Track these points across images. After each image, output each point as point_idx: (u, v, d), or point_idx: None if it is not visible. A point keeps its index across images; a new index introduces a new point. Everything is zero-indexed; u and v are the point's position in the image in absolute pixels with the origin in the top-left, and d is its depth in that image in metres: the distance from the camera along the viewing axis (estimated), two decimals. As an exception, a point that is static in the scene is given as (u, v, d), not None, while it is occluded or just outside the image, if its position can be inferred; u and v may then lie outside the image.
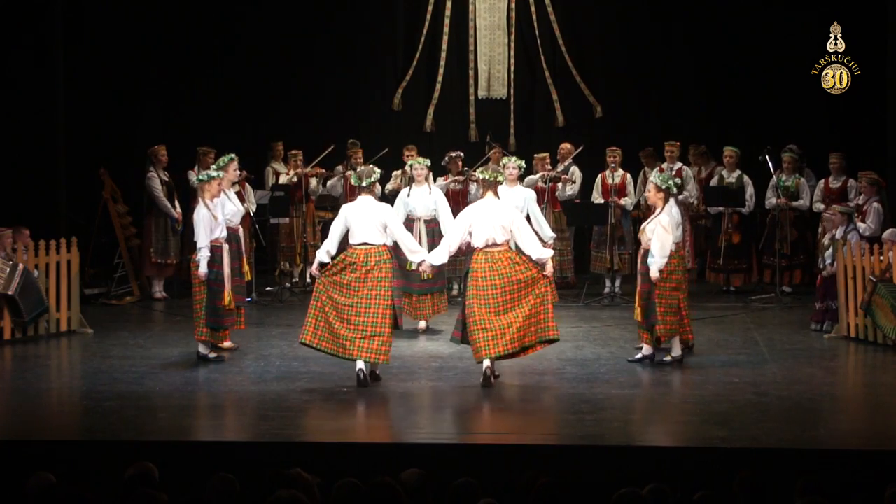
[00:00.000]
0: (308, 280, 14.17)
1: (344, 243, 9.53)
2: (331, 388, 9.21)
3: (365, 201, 9.42)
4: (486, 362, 9.18)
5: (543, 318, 9.18)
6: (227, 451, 7.72)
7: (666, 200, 9.78)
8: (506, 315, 9.11)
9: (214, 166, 10.67)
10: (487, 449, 7.82)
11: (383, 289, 9.16)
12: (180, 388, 9.25)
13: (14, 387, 9.47)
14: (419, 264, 9.51)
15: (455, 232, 9.42)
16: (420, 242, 10.78)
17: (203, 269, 9.91)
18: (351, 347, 9.14)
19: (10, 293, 10.81)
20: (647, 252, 9.78)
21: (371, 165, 9.83)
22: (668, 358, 9.86)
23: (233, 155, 10.74)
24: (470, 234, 9.30)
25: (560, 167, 13.72)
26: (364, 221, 9.29)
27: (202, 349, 10.08)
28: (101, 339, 11.19)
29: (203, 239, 9.92)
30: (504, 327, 9.09)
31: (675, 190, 10.02)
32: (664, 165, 13.51)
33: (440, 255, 9.44)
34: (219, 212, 10.10)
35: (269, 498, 5.24)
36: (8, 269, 10.82)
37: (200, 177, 10.24)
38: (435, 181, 12.76)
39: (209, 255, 9.93)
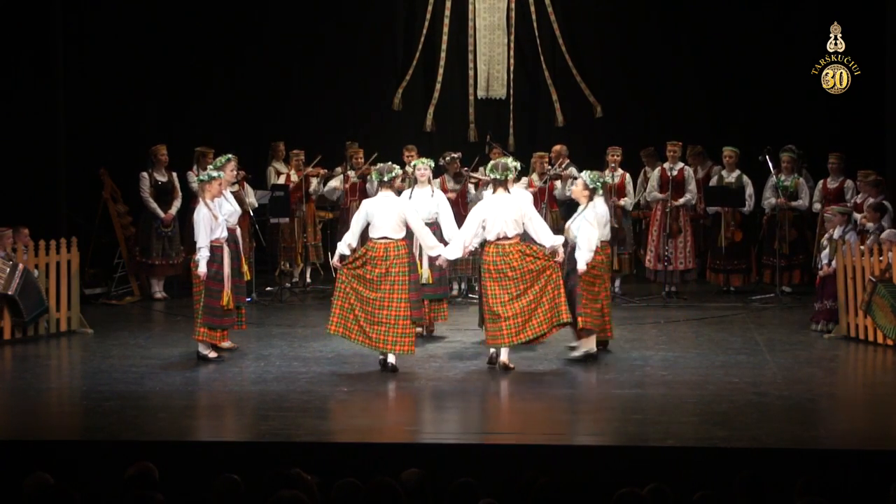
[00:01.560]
0: (308, 280, 14.21)
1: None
2: (331, 389, 9.21)
3: (385, 197, 9.75)
4: (503, 353, 9.57)
5: (556, 304, 9.53)
6: (227, 451, 7.72)
7: (590, 198, 10.02)
8: (518, 302, 9.48)
9: (212, 166, 10.67)
10: (487, 449, 7.82)
11: (402, 283, 9.55)
12: (180, 388, 9.25)
13: (14, 387, 9.46)
14: (436, 258, 9.92)
15: (469, 226, 9.74)
16: (420, 247, 10.87)
17: (202, 268, 9.92)
18: (378, 340, 9.53)
19: (10, 293, 10.80)
20: (573, 249, 9.89)
21: (390, 162, 10.03)
22: (580, 353, 9.95)
23: (230, 155, 10.76)
24: (483, 227, 9.64)
25: (558, 168, 13.72)
26: (384, 216, 9.63)
27: (202, 349, 10.09)
28: (101, 339, 11.19)
29: (203, 239, 9.93)
30: (516, 316, 9.47)
31: (600, 191, 10.18)
32: (666, 165, 13.51)
33: (455, 249, 9.78)
34: (217, 211, 10.11)
35: (271, 498, 5.24)
36: (8, 269, 10.82)
37: (201, 177, 10.25)
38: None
39: (209, 254, 9.94)
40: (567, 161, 13.80)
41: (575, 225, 9.97)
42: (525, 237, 9.79)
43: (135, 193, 13.43)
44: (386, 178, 9.80)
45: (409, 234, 11.28)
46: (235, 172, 11.13)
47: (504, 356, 9.65)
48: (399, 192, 13.18)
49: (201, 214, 9.98)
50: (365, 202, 9.99)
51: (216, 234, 10.02)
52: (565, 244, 9.91)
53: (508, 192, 9.73)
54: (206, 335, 10.02)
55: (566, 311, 9.55)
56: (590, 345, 10.00)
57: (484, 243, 9.70)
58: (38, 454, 7.47)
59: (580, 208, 10.04)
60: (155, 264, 13.38)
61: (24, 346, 10.92)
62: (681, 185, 13.47)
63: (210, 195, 10.08)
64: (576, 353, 9.98)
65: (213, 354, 10.11)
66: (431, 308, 11.02)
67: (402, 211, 9.71)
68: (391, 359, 9.63)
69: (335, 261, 9.77)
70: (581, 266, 9.80)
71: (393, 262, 9.55)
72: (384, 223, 9.62)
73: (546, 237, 9.62)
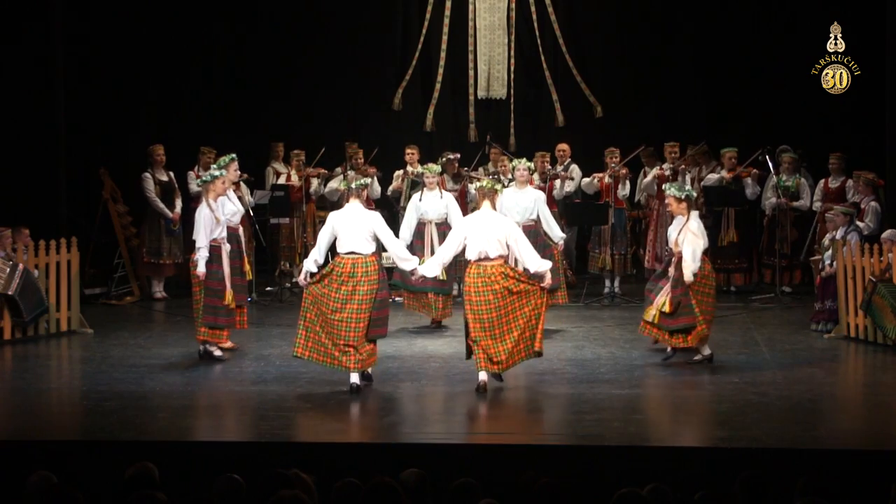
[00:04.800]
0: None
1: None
2: (330, 389, 9.20)
3: (353, 208, 9.19)
4: (482, 375, 9.05)
5: (534, 333, 9.01)
6: (227, 451, 7.72)
7: (689, 208, 9.82)
8: (501, 336, 8.94)
9: (215, 166, 10.64)
10: (487, 449, 7.82)
11: (367, 301, 8.97)
12: (180, 388, 9.25)
13: (14, 387, 9.47)
14: (411, 272, 9.43)
15: (450, 244, 9.27)
16: (432, 245, 11.06)
17: (201, 268, 9.90)
18: (343, 359, 9.00)
19: (10, 293, 10.80)
20: (679, 259, 9.76)
21: (363, 168, 9.81)
22: (698, 357, 9.90)
23: (233, 155, 10.71)
24: (465, 246, 9.16)
25: (559, 167, 13.74)
26: (351, 230, 9.07)
27: (210, 347, 10.06)
28: (101, 339, 11.19)
29: (202, 239, 9.91)
30: (497, 344, 8.94)
31: (694, 196, 10.04)
32: (665, 165, 13.51)
33: (433, 268, 9.26)
34: (220, 212, 10.09)
35: (271, 498, 5.24)
36: (8, 269, 10.82)
37: (204, 177, 10.23)
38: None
39: (208, 255, 9.92)
40: (569, 160, 13.84)
41: (681, 238, 9.75)
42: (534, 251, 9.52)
43: (135, 193, 13.44)
44: (354, 187, 9.27)
45: (419, 234, 11.38)
46: (238, 172, 11.06)
47: (483, 376, 9.05)
48: (399, 193, 13.28)
49: (202, 214, 9.96)
50: (332, 214, 9.35)
51: (215, 233, 10.00)
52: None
53: (495, 207, 9.32)
54: (207, 334, 10.01)
55: (540, 341, 9.03)
56: (706, 350, 9.92)
57: (467, 264, 9.18)
58: (39, 454, 7.47)
59: (681, 219, 9.79)
60: (164, 264, 13.41)
61: (24, 346, 10.92)
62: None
63: (214, 195, 10.06)
64: (696, 357, 9.90)
65: (218, 353, 10.09)
66: (440, 301, 11.17)
67: (371, 224, 9.10)
68: (354, 378, 9.02)
69: (301, 278, 9.22)
70: (688, 277, 9.61)
71: (360, 280, 8.93)
72: (351, 237, 9.01)
73: (531, 261, 9.08)
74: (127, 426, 8.13)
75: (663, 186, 10.72)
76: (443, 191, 11.61)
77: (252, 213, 13.41)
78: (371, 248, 9.09)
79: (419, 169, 12.72)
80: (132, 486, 5.65)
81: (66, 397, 9.39)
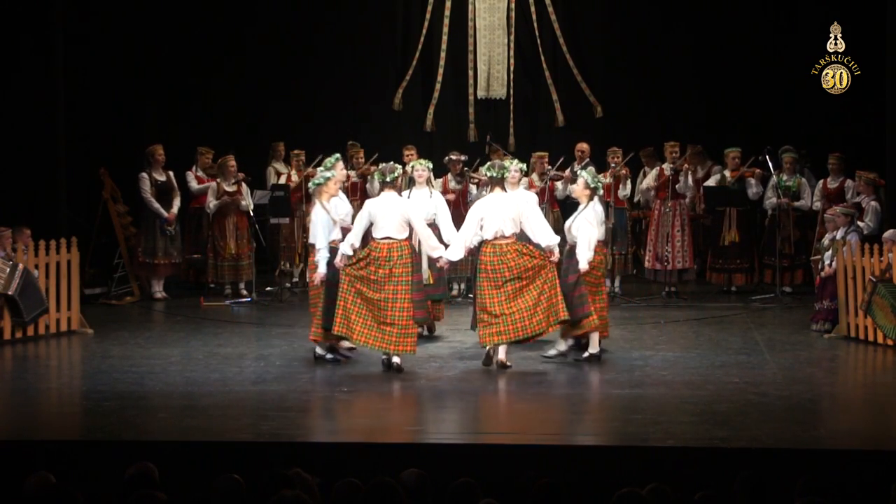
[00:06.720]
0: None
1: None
2: (331, 389, 9.21)
3: (388, 197, 9.74)
4: (501, 351, 9.59)
5: (554, 302, 9.53)
6: (227, 451, 7.71)
7: (591, 198, 10.03)
8: (515, 301, 9.51)
9: (321, 168, 10.49)
10: (487, 449, 7.81)
11: (406, 283, 9.55)
12: (180, 388, 9.25)
13: (14, 387, 9.46)
14: (437, 260, 9.88)
15: (468, 226, 9.77)
16: (419, 246, 10.89)
17: (322, 270, 9.81)
18: (381, 340, 9.54)
19: (10, 293, 10.80)
20: (572, 248, 9.91)
21: (392, 162, 10.04)
22: (585, 354, 9.96)
23: (337, 154, 10.58)
24: (481, 226, 9.66)
25: (577, 167, 13.74)
26: (387, 217, 9.63)
27: (320, 350, 10.01)
28: (101, 339, 11.18)
29: (321, 240, 9.85)
30: (514, 314, 9.50)
31: (601, 190, 10.33)
32: (665, 166, 13.51)
33: (457, 250, 9.79)
34: (334, 213, 10.05)
35: (272, 498, 5.24)
36: (8, 269, 10.82)
37: (316, 180, 10.12)
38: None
39: (328, 255, 9.88)
40: (587, 160, 13.84)
41: (575, 225, 9.97)
42: (523, 237, 9.80)
43: (135, 193, 13.44)
44: (388, 179, 9.79)
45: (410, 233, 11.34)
46: (345, 172, 10.86)
47: (502, 354, 9.65)
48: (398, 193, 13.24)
49: (318, 216, 9.90)
50: (368, 202, 9.98)
51: (332, 235, 9.96)
52: (563, 243, 9.94)
53: (505, 190, 9.82)
54: (322, 335, 9.91)
55: (563, 309, 9.54)
56: (594, 346, 9.97)
57: (482, 243, 9.71)
58: (39, 454, 7.47)
59: (580, 207, 10.04)
60: (159, 264, 13.41)
61: (24, 346, 10.92)
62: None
63: (327, 196, 10.01)
64: (584, 355, 9.95)
65: (329, 355, 10.03)
66: (432, 308, 11.06)
67: (406, 211, 9.71)
68: (395, 359, 9.62)
69: (338, 261, 9.68)
70: (583, 265, 9.80)
71: (396, 263, 9.55)
72: (387, 223, 9.62)
73: (543, 236, 9.63)
74: (127, 426, 8.13)
75: (577, 170, 10.83)
76: (432, 190, 11.50)
77: (252, 213, 13.43)
78: (405, 234, 9.70)
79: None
80: (132, 486, 5.65)
81: (66, 397, 9.39)
